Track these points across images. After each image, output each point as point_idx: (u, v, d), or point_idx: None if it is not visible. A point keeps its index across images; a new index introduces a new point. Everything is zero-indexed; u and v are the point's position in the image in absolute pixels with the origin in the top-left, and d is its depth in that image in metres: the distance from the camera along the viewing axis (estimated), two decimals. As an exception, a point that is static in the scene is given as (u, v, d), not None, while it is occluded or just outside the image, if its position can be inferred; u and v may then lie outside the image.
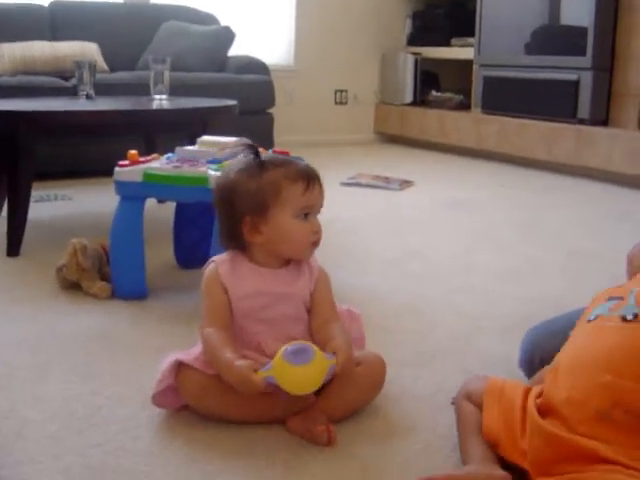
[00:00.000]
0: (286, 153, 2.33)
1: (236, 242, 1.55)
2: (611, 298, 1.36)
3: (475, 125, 5.30)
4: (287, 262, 1.57)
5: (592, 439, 1.15)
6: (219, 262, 1.55)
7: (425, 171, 4.75)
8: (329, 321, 1.55)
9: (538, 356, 1.60)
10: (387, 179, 4.22)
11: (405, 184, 4.15)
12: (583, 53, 4.51)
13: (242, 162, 1.54)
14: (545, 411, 1.26)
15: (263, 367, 1.37)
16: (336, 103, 6.22)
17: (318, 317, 1.56)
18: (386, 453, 1.41)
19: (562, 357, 1.34)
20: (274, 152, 2.30)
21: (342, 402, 1.48)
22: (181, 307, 2.15)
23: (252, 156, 1.54)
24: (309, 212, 1.52)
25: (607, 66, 4.52)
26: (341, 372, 1.41)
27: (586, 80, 4.52)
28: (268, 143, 4.56)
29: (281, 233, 1.50)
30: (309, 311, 1.57)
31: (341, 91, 6.21)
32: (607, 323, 1.30)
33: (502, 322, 2.10)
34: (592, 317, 1.35)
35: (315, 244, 1.55)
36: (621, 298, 1.34)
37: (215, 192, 1.57)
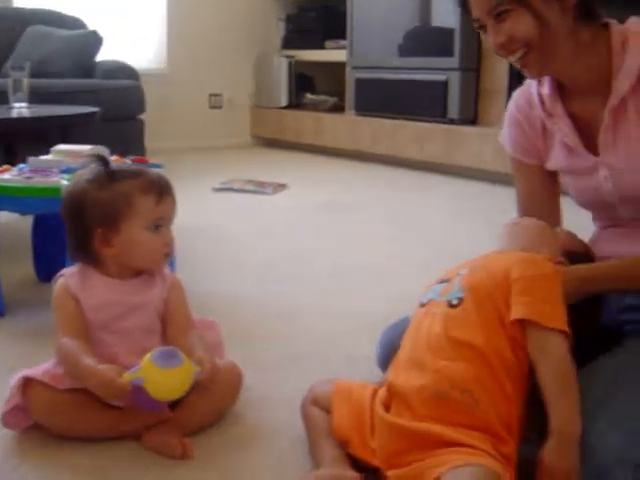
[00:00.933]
0: (144, 161, 2.28)
1: (86, 254, 1.50)
2: (442, 281, 1.41)
3: (349, 127, 5.35)
4: (140, 272, 1.53)
5: (436, 424, 1.20)
6: (68, 276, 1.49)
7: (300, 174, 4.75)
8: (185, 330, 1.52)
9: (394, 353, 1.61)
10: (261, 183, 4.20)
11: (279, 188, 4.13)
12: (451, 54, 4.61)
13: (91, 172, 1.48)
14: (389, 403, 1.30)
15: (129, 370, 1.34)
16: (210, 107, 6.16)
17: (173, 326, 1.53)
18: (243, 462, 1.38)
19: (402, 347, 1.38)
20: (132, 160, 2.26)
21: (197, 414, 1.46)
22: (40, 324, 2.06)
23: (102, 166, 1.48)
24: (161, 224, 1.48)
25: (474, 66, 4.63)
26: (207, 382, 1.39)
27: (454, 80, 4.62)
28: (138, 150, 4.46)
29: (133, 245, 1.46)
30: (163, 321, 1.54)
31: (215, 95, 6.15)
32: (436, 310, 1.35)
33: (368, 322, 2.10)
34: (425, 300, 1.40)
35: (167, 255, 1.51)
36: (447, 281, 1.39)
37: (63, 203, 1.51)
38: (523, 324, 1.27)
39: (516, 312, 1.27)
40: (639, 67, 1.41)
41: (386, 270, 2.68)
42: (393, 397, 1.29)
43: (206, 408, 1.46)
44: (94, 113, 3.01)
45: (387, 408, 1.30)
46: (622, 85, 1.42)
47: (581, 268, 1.43)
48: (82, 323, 1.46)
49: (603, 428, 1.19)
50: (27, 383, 1.42)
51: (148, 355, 1.35)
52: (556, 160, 1.59)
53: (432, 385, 1.24)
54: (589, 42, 1.44)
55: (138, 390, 1.33)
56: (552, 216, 1.65)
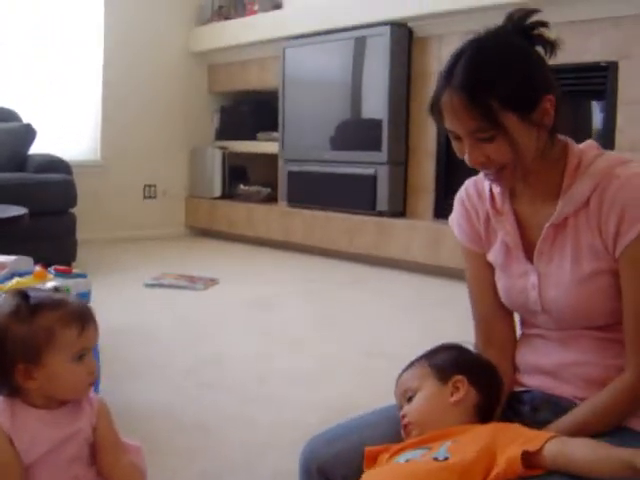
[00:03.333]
0: (68, 271, 2.28)
1: (9, 387, 1.49)
2: (419, 448, 1.46)
3: (282, 218, 5.42)
4: (65, 400, 1.53)
5: None
6: None
7: (232, 267, 4.78)
8: (116, 456, 1.52)
9: (315, 465, 1.63)
10: (192, 278, 4.21)
11: (210, 282, 4.15)
12: (379, 148, 4.75)
13: (11, 306, 1.48)
14: None
15: None
16: (145, 197, 6.18)
17: (104, 452, 1.52)
18: None
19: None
20: (55, 270, 2.26)
21: None
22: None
23: (22, 300, 1.49)
24: (84, 353, 1.49)
25: (402, 160, 4.79)
26: None
27: (383, 174, 4.75)
28: (70, 244, 4.46)
29: (56, 378, 1.45)
30: (94, 448, 1.53)
31: (150, 186, 6.18)
32: (420, 462, 1.41)
33: (294, 433, 2.12)
34: (402, 460, 1.43)
35: (91, 384, 1.52)
36: (429, 448, 1.44)
37: None
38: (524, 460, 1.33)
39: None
40: (586, 196, 1.50)
41: (318, 374, 2.69)
42: None
43: None
44: (23, 216, 3.01)
45: None
46: (566, 207, 1.50)
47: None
48: (18, 464, 1.44)
49: None
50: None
51: None
52: (494, 255, 1.66)
53: None
54: (553, 159, 1.52)
55: None
56: (500, 303, 1.69)
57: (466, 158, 1.51)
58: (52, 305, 1.48)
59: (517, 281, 1.63)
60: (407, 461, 1.45)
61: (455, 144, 1.52)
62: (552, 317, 1.60)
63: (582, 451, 1.34)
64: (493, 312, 1.75)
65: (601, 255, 1.50)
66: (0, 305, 1.50)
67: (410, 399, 1.60)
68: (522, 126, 1.44)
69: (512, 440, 1.43)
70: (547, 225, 1.55)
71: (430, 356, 1.66)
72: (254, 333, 3.24)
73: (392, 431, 1.63)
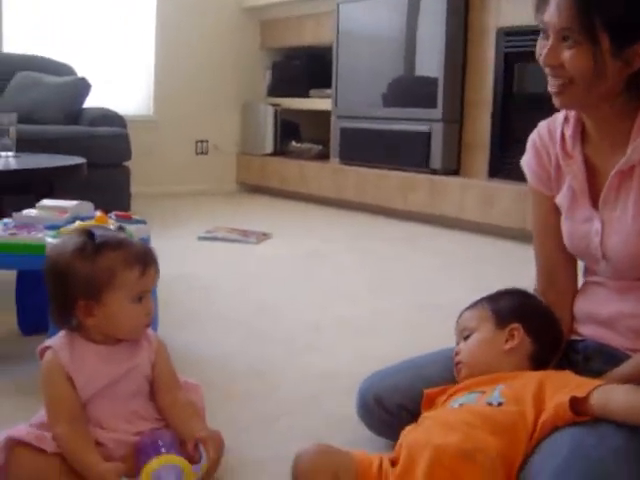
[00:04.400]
0: (127, 217, 2.30)
1: (69, 322, 1.52)
2: (472, 392, 1.49)
3: (334, 175, 5.40)
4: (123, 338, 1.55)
5: (453, 476, 1.26)
6: (57, 348, 1.50)
7: (284, 222, 4.79)
8: (173, 393, 1.55)
9: (371, 395, 1.68)
10: (245, 232, 4.23)
11: (262, 237, 4.17)
12: (434, 105, 4.69)
13: (76, 243, 1.50)
14: (397, 459, 1.34)
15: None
16: (197, 153, 6.21)
17: (161, 389, 1.56)
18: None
19: (424, 422, 1.44)
20: (116, 216, 2.28)
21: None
22: (23, 379, 2.07)
23: (86, 237, 1.50)
24: (143, 295, 1.51)
25: (457, 118, 4.71)
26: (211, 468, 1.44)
27: (437, 131, 4.69)
28: (124, 196, 4.50)
29: (114, 317, 1.48)
30: (151, 384, 1.56)
31: (202, 141, 6.21)
32: (474, 406, 1.44)
33: (347, 381, 2.12)
34: (456, 405, 1.46)
35: (148, 325, 1.54)
36: (483, 392, 1.47)
37: (47, 269, 1.52)
38: (572, 406, 1.34)
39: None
40: None
41: (371, 326, 2.69)
42: (407, 452, 1.32)
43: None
44: (82, 165, 3.04)
45: (394, 464, 1.34)
46: (634, 155, 1.48)
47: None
48: (77, 404, 1.47)
49: None
50: (10, 445, 1.41)
51: (147, 469, 1.35)
52: (561, 199, 1.65)
53: (458, 443, 1.29)
54: (623, 104, 1.49)
55: None
56: (565, 250, 1.68)
57: (541, 58, 1.47)
58: (116, 245, 1.50)
59: (581, 226, 1.61)
60: (461, 406, 1.46)
61: (539, 43, 1.48)
62: (611, 265, 1.58)
63: (628, 399, 1.33)
64: (556, 257, 1.73)
65: None
66: (66, 241, 1.52)
67: (467, 338, 1.60)
68: (609, 53, 1.40)
69: (561, 387, 1.42)
70: (613, 172, 1.52)
71: (492, 299, 1.65)
72: (307, 285, 3.25)
73: (448, 366, 1.64)
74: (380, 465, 1.34)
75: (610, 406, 1.33)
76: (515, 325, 1.57)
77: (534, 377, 1.47)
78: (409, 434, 1.39)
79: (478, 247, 4.14)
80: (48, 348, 1.51)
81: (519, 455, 1.33)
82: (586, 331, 1.65)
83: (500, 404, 1.40)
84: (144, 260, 1.50)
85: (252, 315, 2.78)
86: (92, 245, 1.48)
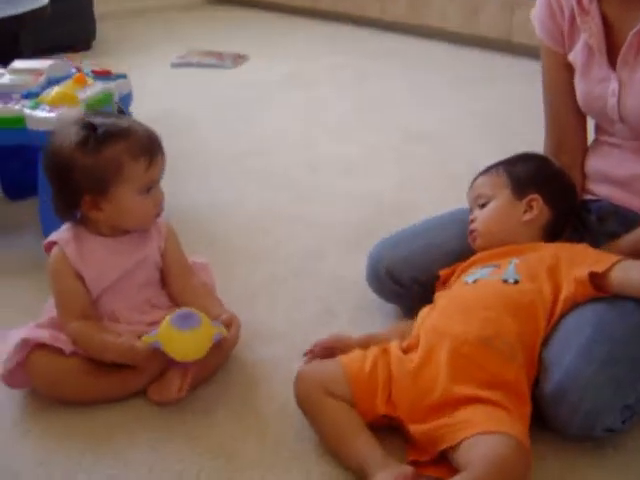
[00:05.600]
0: (107, 73, 2.17)
1: (74, 216, 1.46)
2: (486, 266, 1.47)
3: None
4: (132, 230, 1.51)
5: (470, 362, 1.26)
6: (63, 243, 1.45)
7: (258, 40, 4.54)
8: (186, 278, 1.55)
9: (383, 268, 1.66)
10: (220, 55, 4.04)
11: (239, 59, 3.98)
12: None
13: (78, 134, 1.40)
14: (412, 348, 1.35)
15: (149, 333, 1.37)
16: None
17: (173, 276, 1.55)
18: (246, 409, 1.43)
19: (439, 302, 1.43)
20: (94, 73, 2.15)
21: (206, 368, 1.46)
22: (12, 249, 2.03)
23: (88, 129, 1.40)
24: (152, 186, 1.44)
25: None
26: (231, 345, 1.46)
27: None
28: (89, 24, 4.26)
29: (123, 210, 1.43)
30: (163, 272, 1.54)
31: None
32: (489, 283, 1.42)
33: (348, 232, 2.11)
34: (470, 280, 1.45)
35: (158, 215, 1.49)
36: (497, 266, 1.45)
37: (47, 163, 1.45)
38: (591, 282, 1.35)
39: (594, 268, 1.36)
40: None
41: (365, 161, 2.65)
42: (426, 342, 1.32)
43: (214, 362, 1.48)
44: (45, 7, 2.83)
45: (407, 351, 1.35)
46: None
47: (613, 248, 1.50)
48: (87, 298, 1.45)
49: (592, 371, 1.26)
50: (26, 346, 1.40)
51: (166, 318, 1.37)
52: (575, 56, 1.58)
53: (477, 330, 1.29)
54: None
55: (159, 353, 1.36)
56: (575, 108, 1.63)
57: None
58: (120, 135, 1.41)
59: (596, 86, 1.54)
60: (476, 281, 1.44)
61: None
62: (629, 127, 1.52)
63: None
64: (567, 116, 1.67)
65: None
66: (65, 135, 1.43)
67: (483, 206, 1.57)
68: None
69: (578, 261, 1.41)
70: (634, 31, 1.43)
71: (509, 164, 1.60)
72: (293, 115, 3.15)
73: (460, 233, 1.62)
74: (373, 366, 1.32)
75: (630, 282, 1.33)
76: (534, 196, 1.53)
77: (549, 250, 1.46)
78: (426, 320, 1.39)
79: (464, 61, 3.99)
80: (54, 244, 1.46)
81: (539, 334, 1.34)
82: (600, 191, 1.62)
83: (516, 282, 1.39)
84: (150, 150, 1.42)
85: (243, 155, 2.70)
86: (95, 138, 1.39)
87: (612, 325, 1.31)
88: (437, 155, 2.69)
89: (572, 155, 1.68)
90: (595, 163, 1.64)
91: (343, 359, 1.35)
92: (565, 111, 1.66)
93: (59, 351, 1.40)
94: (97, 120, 1.43)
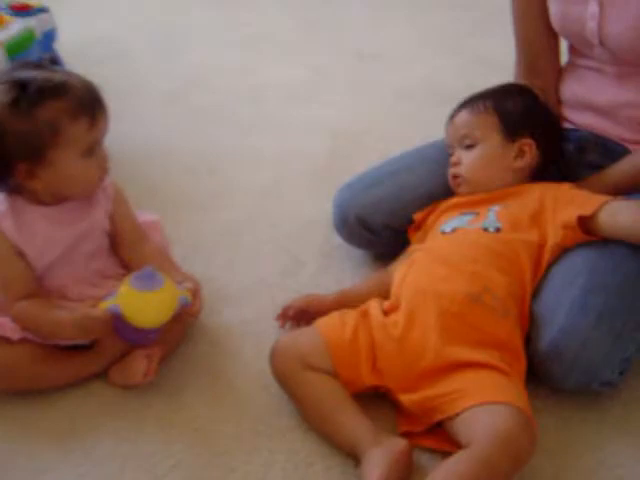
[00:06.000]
0: (26, 8, 1.95)
1: (9, 186, 1.29)
2: (464, 213, 1.37)
3: None
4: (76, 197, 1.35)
5: (461, 323, 1.18)
6: None
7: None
8: (139, 242, 1.41)
9: (352, 214, 1.56)
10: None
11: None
12: None
13: (7, 97, 1.21)
14: (394, 309, 1.25)
15: (105, 298, 1.24)
16: None
17: (129, 244, 1.41)
18: (222, 394, 1.31)
19: (417, 256, 1.33)
20: (13, 9, 1.93)
21: (169, 340, 1.34)
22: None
23: (18, 90, 1.22)
24: (95, 147, 1.27)
25: None
26: (195, 316, 1.33)
27: None
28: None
29: (64, 177, 1.25)
30: (113, 238, 1.40)
31: None
32: (469, 233, 1.32)
33: (302, 166, 1.98)
34: (448, 229, 1.35)
35: (102, 178, 1.32)
36: (476, 213, 1.35)
37: None
38: (580, 224, 1.27)
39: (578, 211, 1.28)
40: None
41: (314, 87, 2.48)
42: (409, 304, 1.23)
43: (177, 334, 1.37)
44: None
45: (388, 312, 1.25)
46: None
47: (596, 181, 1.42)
48: (30, 274, 1.30)
49: (589, 325, 1.19)
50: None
51: (126, 279, 1.24)
52: None
53: (465, 287, 1.21)
54: None
55: (118, 319, 1.22)
56: (547, 29, 1.52)
57: None
58: (55, 93, 1.21)
59: (573, 7, 1.41)
60: (454, 230, 1.34)
61: None
62: (610, 52, 1.41)
63: (636, 218, 1.24)
64: (540, 37, 1.54)
65: None
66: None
67: (468, 147, 1.43)
68: None
69: (564, 203, 1.31)
70: None
71: (498, 100, 1.45)
72: (234, 42, 2.91)
73: (431, 174, 1.51)
74: (354, 333, 1.22)
75: (618, 226, 1.25)
76: (527, 140, 1.41)
77: (532, 193, 1.36)
78: (406, 278, 1.28)
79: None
80: None
81: (528, 285, 1.26)
82: (581, 119, 1.52)
83: (498, 230, 1.30)
84: (91, 107, 1.24)
85: (183, 88, 2.50)
86: (26, 98, 1.21)
87: (605, 274, 1.23)
88: (392, 77, 2.54)
89: (545, 78, 1.57)
90: (572, 88, 1.53)
91: (321, 327, 1.25)
92: (536, 32, 1.54)
93: (5, 340, 1.26)
94: (27, 75, 1.24)
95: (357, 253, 1.62)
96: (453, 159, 1.45)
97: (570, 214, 1.27)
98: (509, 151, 1.41)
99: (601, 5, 1.36)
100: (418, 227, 1.48)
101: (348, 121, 2.23)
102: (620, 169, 1.40)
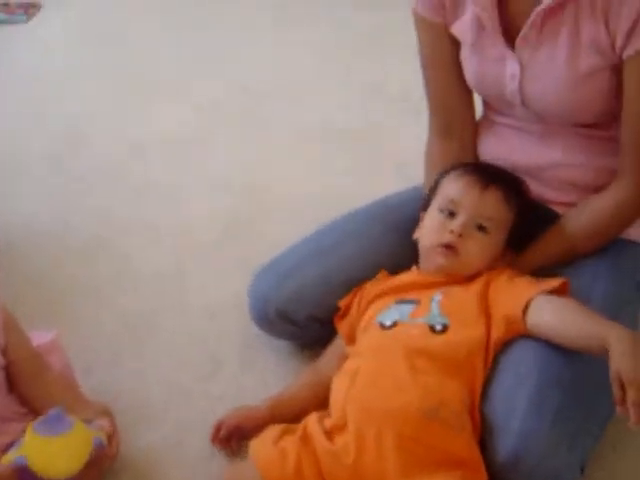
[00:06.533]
0: None
1: None
2: (403, 301, 1.26)
3: None
4: None
5: (418, 444, 1.08)
6: None
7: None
8: (44, 379, 1.25)
9: (272, 307, 1.42)
10: (7, 5, 3.44)
11: (31, 9, 3.39)
12: None
13: None
14: (337, 432, 1.13)
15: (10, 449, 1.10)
16: None
17: (26, 379, 1.25)
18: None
19: (359, 364, 1.20)
20: None
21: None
22: None
23: None
24: None
25: None
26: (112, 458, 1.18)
27: None
28: None
29: None
30: (6, 370, 1.24)
31: None
32: (413, 330, 1.20)
33: (209, 242, 1.83)
34: (388, 322, 1.23)
35: None
36: (416, 302, 1.24)
37: None
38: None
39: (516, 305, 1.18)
40: None
41: (201, 135, 2.31)
42: (356, 428, 1.11)
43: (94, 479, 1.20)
44: None
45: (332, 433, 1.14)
46: None
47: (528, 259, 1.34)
48: None
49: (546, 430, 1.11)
50: None
51: (29, 425, 1.10)
52: (462, 28, 1.35)
53: (418, 402, 1.09)
54: None
55: (25, 472, 1.07)
56: (462, 85, 1.42)
57: None
58: None
59: (491, 67, 1.33)
60: (394, 324, 1.23)
61: None
62: (533, 112, 1.34)
63: (554, 323, 1.16)
64: (454, 96, 1.45)
65: (604, 51, 1.22)
66: None
67: (481, 229, 1.29)
68: None
69: (504, 291, 1.23)
70: (539, 8, 1.23)
71: (521, 199, 1.35)
72: (110, 80, 2.65)
73: (359, 251, 1.41)
74: (297, 466, 1.11)
75: (542, 329, 1.17)
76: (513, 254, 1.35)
77: (473, 280, 1.27)
78: (350, 391, 1.16)
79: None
80: None
81: (478, 389, 1.17)
82: None
83: (445, 327, 1.19)
84: None
85: (55, 152, 2.23)
86: None
87: (557, 368, 1.16)
88: (287, 110, 2.42)
89: (462, 139, 1.49)
90: (492, 148, 1.45)
91: (259, 462, 1.13)
92: (451, 90, 1.45)
93: None
94: None
95: (281, 343, 1.50)
96: (457, 228, 1.28)
97: (511, 304, 1.19)
98: (503, 252, 1.33)
99: (521, 65, 1.29)
100: (344, 314, 1.37)
101: (248, 174, 2.09)
102: (546, 243, 1.35)
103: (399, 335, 1.21)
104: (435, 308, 1.22)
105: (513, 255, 1.33)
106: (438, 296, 1.24)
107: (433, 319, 1.21)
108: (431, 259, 1.29)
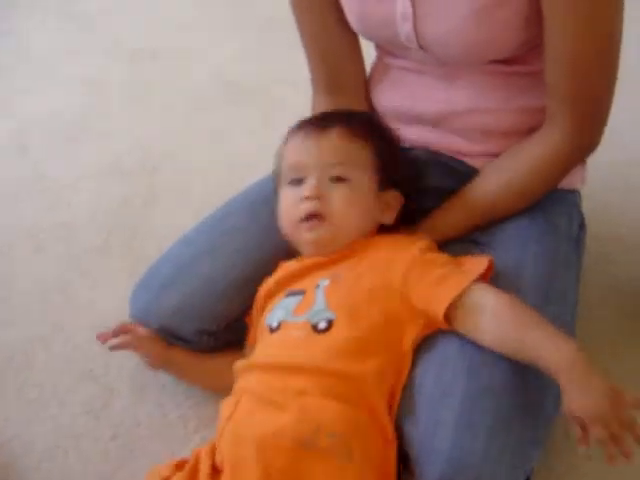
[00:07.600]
0: None
1: None
2: (291, 293, 1.04)
3: None
4: None
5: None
6: None
7: None
8: None
9: (155, 325, 1.19)
10: None
11: None
12: None
13: None
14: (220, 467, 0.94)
15: None
16: None
17: None
18: None
19: (247, 386, 0.99)
20: None
21: None
22: None
23: None
24: None
25: None
26: None
27: None
28: None
29: None
30: None
31: None
32: (295, 333, 0.99)
33: (95, 247, 1.59)
34: (274, 324, 1.02)
35: None
36: (303, 293, 1.02)
37: None
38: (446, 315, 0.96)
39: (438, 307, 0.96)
40: None
41: (88, 117, 2.04)
42: (229, 451, 0.93)
43: None
44: None
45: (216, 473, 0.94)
46: None
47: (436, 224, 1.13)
48: None
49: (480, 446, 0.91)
50: None
51: None
52: None
53: (292, 428, 0.89)
54: None
55: None
56: (344, 29, 1.21)
57: None
58: None
59: (377, 5, 1.10)
60: (279, 326, 1.00)
61: None
62: (433, 54, 1.12)
63: (503, 340, 0.94)
64: (334, 43, 1.23)
65: None
66: None
67: (338, 181, 1.06)
68: None
69: (418, 279, 0.99)
70: None
71: (374, 132, 1.12)
72: None
73: (242, 251, 1.19)
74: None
75: (474, 337, 0.97)
76: (396, 193, 1.11)
77: (372, 255, 1.05)
78: (234, 415, 0.96)
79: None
80: None
81: (383, 397, 0.96)
82: (409, 134, 1.22)
83: (330, 324, 0.97)
84: None
85: None
86: None
87: (488, 370, 0.95)
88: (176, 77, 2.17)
89: (352, 93, 1.28)
90: (389, 97, 1.25)
91: None
92: (330, 35, 1.24)
93: None
94: None
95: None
96: (308, 191, 1.06)
97: (431, 302, 0.98)
98: (376, 201, 1.10)
99: (413, 2, 1.06)
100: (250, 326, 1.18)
101: (137, 155, 1.86)
102: (464, 202, 1.14)
103: (282, 341, 1.01)
104: (320, 298, 1.01)
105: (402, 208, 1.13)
106: (324, 282, 1.03)
107: (316, 315, 0.99)
108: (301, 241, 1.08)
